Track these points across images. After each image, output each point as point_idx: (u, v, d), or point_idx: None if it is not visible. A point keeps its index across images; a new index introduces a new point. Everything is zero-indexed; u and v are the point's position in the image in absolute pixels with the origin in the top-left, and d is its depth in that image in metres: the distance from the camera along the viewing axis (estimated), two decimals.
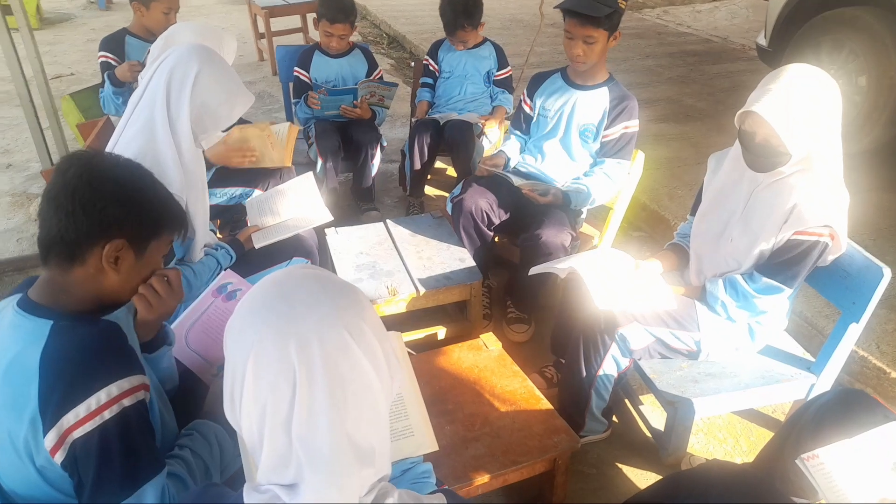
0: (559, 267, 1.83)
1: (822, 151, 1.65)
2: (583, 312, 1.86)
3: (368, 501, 0.77)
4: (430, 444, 1.20)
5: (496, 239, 2.84)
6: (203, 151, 2.31)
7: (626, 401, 2.23)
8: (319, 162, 3.14)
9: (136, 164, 1.27)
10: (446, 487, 1.28)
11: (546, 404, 1.84)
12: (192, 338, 1.58)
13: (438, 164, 3.83)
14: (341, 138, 3.19)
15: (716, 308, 1.84)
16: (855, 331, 1.78)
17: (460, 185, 2.58)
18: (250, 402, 0.74)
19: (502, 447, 1.69)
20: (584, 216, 2.65)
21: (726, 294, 1.80)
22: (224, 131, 2.33)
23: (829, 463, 1.18)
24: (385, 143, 3.35)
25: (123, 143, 1.81)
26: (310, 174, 2.33)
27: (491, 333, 2.11)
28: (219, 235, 2.53)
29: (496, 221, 2.50)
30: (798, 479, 1.38)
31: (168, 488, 1.09)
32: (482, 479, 1.62)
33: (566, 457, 1.74)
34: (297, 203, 2.26)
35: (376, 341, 0.79)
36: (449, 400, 1.86)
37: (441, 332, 2.37)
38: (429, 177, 3.55)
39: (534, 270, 1.92)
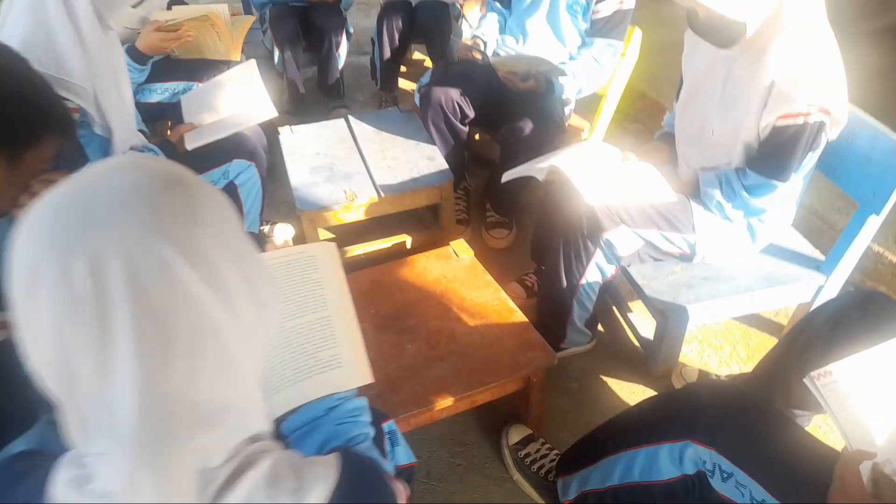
0: (538, 167, 1.58)
1: (795, 6, 1.35)
2: (563, 215, 1.64)
3: (222, 474, 0.57)
4: (361, 376, 1.01)
5: (476, 136, 2.58)
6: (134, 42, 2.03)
7: (614, 308, 2.06)
8: (276, 52, 2.82)
9: (4, 50, 1.04)
10: (391, 421, 1.11)
11: (521, 317, 1.65)
12: None
13: (417, 56, 3.48)
14: (301, 24, 2.84)
15: (711, 207, 1.61)
16: (874, 224, 1.56)
17: (429, 74, 2.28)
18: (34, 346, 0.53)
19: (469, 366, 1.52)
20: (572, 106, 2.37)
21: (721, 193, 1.56)
22: (143, 11, 2.02)
23: (844, 381, 0.99)
24: (351, 30, 3.01)
25: (10, 26, 1.52)
26: (252, 62, 2.04)
27: (461, 240, 1.90)
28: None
29: (471, 115, 2.22)
30: (803, 392, 1.21)
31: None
32: (445, 402, 1.45)
33: (541, 374, 1.58)
34: (238, 96, 1.98)
35: (227, 261, 0.57)
36: (412, 315, 1.67)
37: (408, 240, 2.16)
38: (403, 69, 3.22)
39: (508, 175, 1.67)
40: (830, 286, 1.72)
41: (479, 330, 1.62)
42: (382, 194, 1.98)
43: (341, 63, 2.98)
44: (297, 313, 1.05)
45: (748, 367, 1.85)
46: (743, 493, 1.04)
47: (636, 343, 1.94)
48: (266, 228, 2.38)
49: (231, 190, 1.88)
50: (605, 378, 1.85)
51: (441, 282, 1.78)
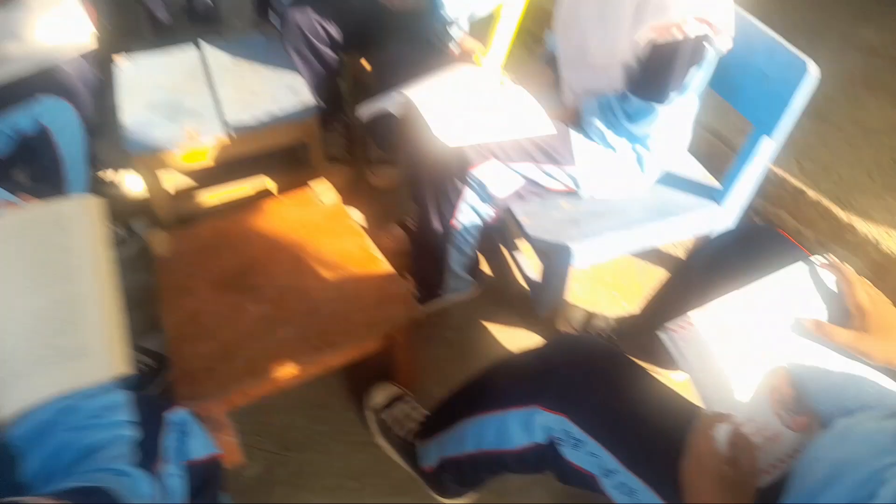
0: (392, 100, 1.35)
1: None
2: (429, 153, 1.43)
3: None
4: (113, 366, 0.80)
5: (363, 62, 2.30)
6: None
7: (502, 247, 1.88)
8: None
9: None
10: (181, 410, 0.91)
11: (386, 267, 1.45)
12: None
13: None
14: None
15: (591, 135, 1.42)
16: (768, 146, 1.41)
17: None
18: None
19: (317, 327, 1.32)
20: (464, 27, 2.11)
21: (600, 119, 1.38)
22: None
23: (705, 330, 0.83)
24: None
25: None
26: None
27: (324, 180, 1.66)
28: None
29: (338, 38, 1.95)
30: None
31: None
32: (288, 369, 1.26)
33: (404, 330, 1.40)
34: (49, 22, 1.65)
35: None
36: (259, 272, 1.45)
37: (275, 186, 1.91)
38: None
39: (364, 110, 1.44)
40: (727, 215, 1.59)
41: (336, 285, 1.42)
42: (233, 134, 1.71)
43: None
44: (31, 289, 0.81)
45: (639, 305, 1.73)
46: (594, 462, 0.89)
47: (525, 286, 1.78)
48: (111, 175, 2.08)
49: (43, 137, 1.58)
50: (488, 326, 1.70)
51: (297, 230, 1.55)
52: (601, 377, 0.90)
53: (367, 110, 1.46)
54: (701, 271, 1.13)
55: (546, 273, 1.56)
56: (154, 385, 1.53)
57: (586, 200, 1.57)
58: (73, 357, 0.78)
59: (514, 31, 2.15)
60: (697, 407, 0.84)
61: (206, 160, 1.71)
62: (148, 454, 0.82)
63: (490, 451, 1.04)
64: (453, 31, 2.07)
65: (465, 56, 2.19)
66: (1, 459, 0.87)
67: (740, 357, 0.82)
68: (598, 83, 1.44)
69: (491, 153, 1.39)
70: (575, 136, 1.44)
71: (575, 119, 1.47)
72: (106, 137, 2.22)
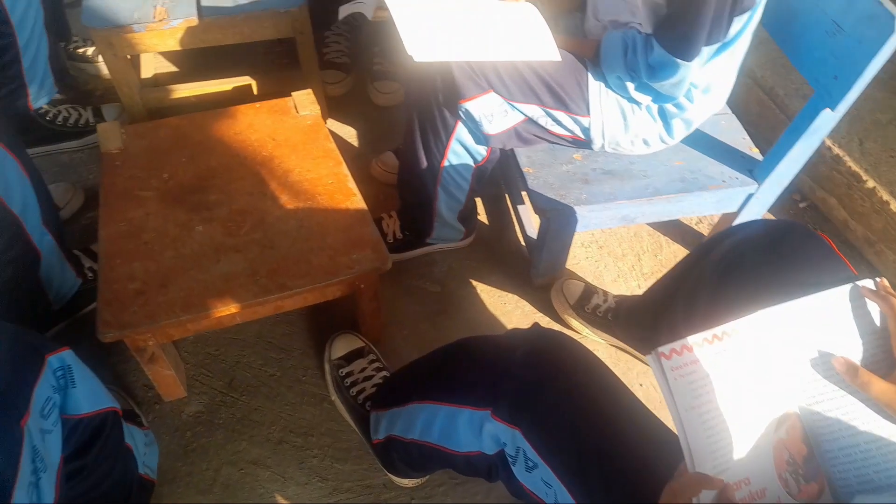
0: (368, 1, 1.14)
1: None
2: (414, 73, 1.23)
3: None
4: None
5: None
6: None
7: (507, 196, 1.71)
8: None
9: None
10: (65, 352, 0.79)
11: (359, 203, 1.29)
12: None
13: None
14: None
15: (610, 82, 1.21)
16: (828, 120, 1.20)
17: None
18: None
19: (271, 263, 1.19)
20: None
21: (622, 62, 1.17)
22: None
23: (707, 363, 0.67)
24: None
25: None
26: None
27: (309, 91, 1.48)
28: None
29: None
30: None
31: None
32: (227, 308, 1.13)
33: (371, 280, 1.26)
34: None
35: None
36: (215, 188, 1.30)
37: (254, 85, 1.72)
38: None
39: (342, 11, 1.22)
40: (763, 196, 1.40)
41: (300, 215, 1.27)
42: (205, 16, 1.51)
43: None
44: None
45: (649, 285, 1.57)
46: (548, 493, 0.77)
47: (523, 243, 1.62)
48: (89, 50, 1.90)
49: None
50: (475, 283, 1.55)
51: (267, 144, 1.39)
52: (567, 390, 0.76)
53: (344, 10, 1.25)
54: (718, 266, 0.96)
55: (545, 234, 1.40)
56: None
57: (599, 153, 1.38)
58: None
59: None
60: (678, 448, 0.69)
61: (175, 44, 1.52)
62: (13, 404, 0.70)
63: (436, 446, 0.92)
64: None
65: None
66: None
67: (743, 400, 0.67)
68: (627, 14, 1.22)
69: (489, 84, 1.19)
70: (592, 81, 1.23)
71: (593, 55, 1.25)
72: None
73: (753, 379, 0.69)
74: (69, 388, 0.80)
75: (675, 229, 1.68)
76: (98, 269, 1.17)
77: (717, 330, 0.68)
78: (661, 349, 0.66)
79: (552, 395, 0.75)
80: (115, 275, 1.15)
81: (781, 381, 0.70)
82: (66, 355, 0.81)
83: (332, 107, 1.89)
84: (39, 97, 1.61)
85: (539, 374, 0.77)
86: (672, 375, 0.66)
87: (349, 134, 1.87)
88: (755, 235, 0.92)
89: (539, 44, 1.14)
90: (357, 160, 1.77)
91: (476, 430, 0.83)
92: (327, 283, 1.19)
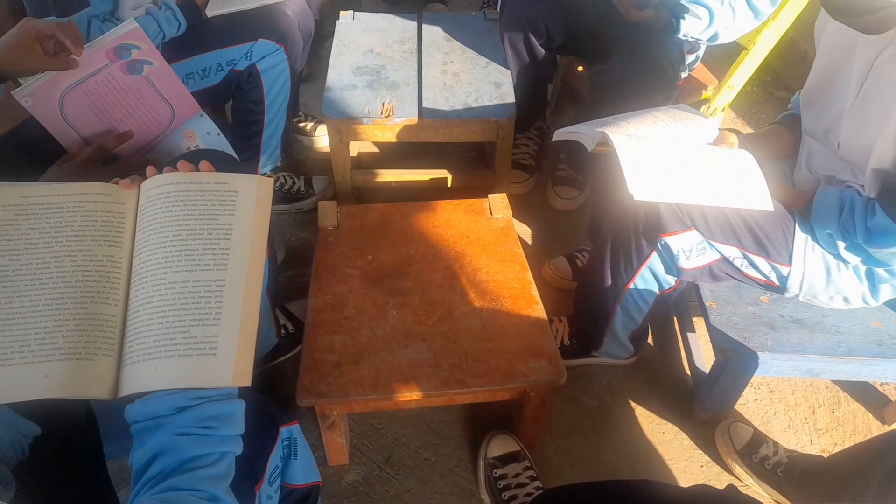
0: (591, 131, 1.24)
1: None
2: (616, 201, 1.31)
3: None
4: (235, 375, 0.77)
5: (580, 68, 2.19)
6: None
7: (675, 319, 1.72)
8: None
9: None
10: (293, 426, 0.91)
11: (539, 311, 1.37)
12: (68, 103, 1.22)
13: None
14: None
15: (818, 237, 1.22)
16: None
17: None
18: None
19: (453, 358, 1.28)
20: (699, 54, 1.93)
21: (835, 219, 1.18)
22: None
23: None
24: None
25: None
26: None
27: (503, 196, 1.61)
28: None
29: (557, 38, 1.85)
30: None
31: None
32: (410, 394, 1.23)
33: (542, 391, 1.31)
34: None
35: None
36: (411, 274, 1.44)
37: (449, 179, 1.88)
38: None
39: (559, 134, 1.34)
40: None
41: (483, 314, 1.36)
42: (423, 117, 1.69)
43: None
44: (184, 265, 0.82)
45: (823, 442, 1.51)
46: None
47: (688, 372, 1.62)
48: (309, 125, 2.17)
49: (251, 74, 1.67)
50: (634, 405, 1.56)
51: (461, 241, 1.52)
52: None
53: (561, 135, 1.36)
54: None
55: (720, 372, 1.40)
56: (288, 353, 1.59)
57: (788, 300, 1.37)
58: (200, 351, 0.77)
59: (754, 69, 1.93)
60: None
61: (393, 137, 1.72)
62: (252, 471, 0.82)
63: None
64: (689, 60, 1.90)
65: (693, 87, 2.01)
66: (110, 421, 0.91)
67: None
68: (846, 172, 1.23)
69: (692, 222, 1.25)
70: (799, 233, 1.24)
71: (803, 206, 1.26)
72: (315, 85, 2.32)
73: None
74: (291, 458, 0.91)
75: (855, 387, 1.61)
76: (304, 335, 1.32)
77: None
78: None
79: None
80: (318, 344, 1.30)
81: None
82: (295, 428, 0.93)
83: (512, 204, 2.01)
84: (266, 164, 1.86)
85: None
86: None
87: (524, 232, 1.98)
88: None
89: (753, 192, 1.19)
90: (529, 260, 1.86)
91: None
92: (503, 386, 1.26)
